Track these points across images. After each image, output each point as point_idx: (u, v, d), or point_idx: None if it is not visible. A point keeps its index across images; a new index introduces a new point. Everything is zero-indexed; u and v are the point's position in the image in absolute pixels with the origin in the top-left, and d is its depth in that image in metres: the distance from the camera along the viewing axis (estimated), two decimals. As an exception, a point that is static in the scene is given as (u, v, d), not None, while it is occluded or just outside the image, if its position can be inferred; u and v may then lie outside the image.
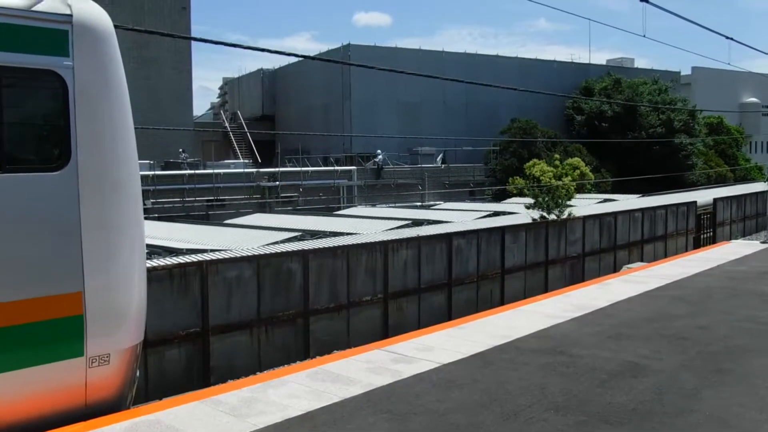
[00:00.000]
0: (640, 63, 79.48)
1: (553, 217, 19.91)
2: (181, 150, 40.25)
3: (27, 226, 5.13)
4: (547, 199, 20.25)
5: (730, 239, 25.34)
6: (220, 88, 76.12)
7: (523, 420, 5.19)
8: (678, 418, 5.23)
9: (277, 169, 38.12)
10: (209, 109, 76.19)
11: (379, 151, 40.04)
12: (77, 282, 5.30)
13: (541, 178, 20.25)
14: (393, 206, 33.85)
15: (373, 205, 35.05)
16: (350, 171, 39.42)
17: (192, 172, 34.67)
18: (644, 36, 27.87)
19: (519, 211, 23.06)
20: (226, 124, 55.27)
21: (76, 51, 5.33)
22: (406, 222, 21.08)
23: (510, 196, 28.46)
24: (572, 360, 6.77)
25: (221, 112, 64.90)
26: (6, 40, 5.06)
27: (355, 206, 34.69)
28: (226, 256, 12.69)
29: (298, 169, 38.60)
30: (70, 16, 5.33)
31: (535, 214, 20.37)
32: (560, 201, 20.21)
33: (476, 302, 16.09)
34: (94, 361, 5.40)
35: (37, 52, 5.17)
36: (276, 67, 56.70)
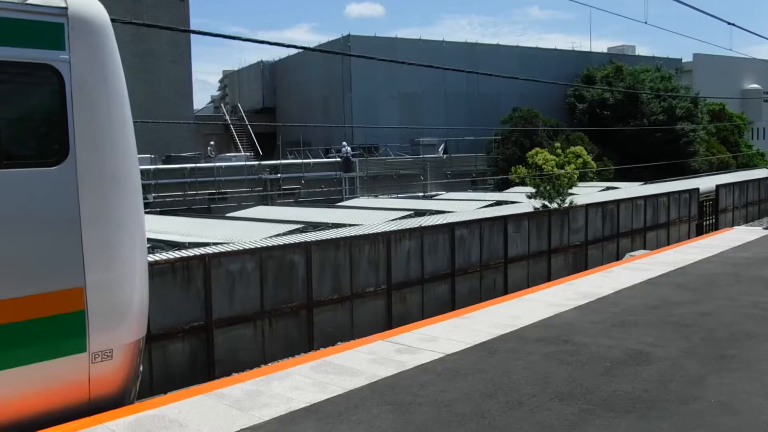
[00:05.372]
0: (642, 51, 78.98)
1: (555, 205, 19.86)
2: (212, 143, 40.41)
3: (26, 222, 5.11)
4: (548, 187, 20.17)
5: (733, 226, 25.27)
6: (220, 81, 76.00)
7: (528, 409, 5.18)
8: (683, 406, 5.21)
9: (278, 162, 38.07)
10: (209, 103, 76.12)
11: (344, 143, 39.54)
12: (78, 278, 5.29)
13: (543, 166, 20.15)
14: (395, 197, 33.82)
15: (375, 196, 35.01)
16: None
17: (193, 165, 34.67)
18: (646, 22, 27.69)
19: (521, 200, 23.01)
20: (227, 117, 55.12)
21: (73, 44, 5.28)
22: (409, 213, 21.05)
23: (512, 186, 28.37)
24: (576, 348, 6.76)
25: (221, 105, 64.76)
26: (1, 34, 5.02)
27: (357, 197, 34.67)
28: (228, 249, 12.67)
29: (300, 161, 38.51)
30: (66, 8, 5.28)
31: (537, 203, 20.32)
32: (562, 189, 20.13)
33: (479, 292, 16.07)
34: (96, 356, 5.39)
35: (33, 45, 5.13)
36: (276, 60, 56.53)
